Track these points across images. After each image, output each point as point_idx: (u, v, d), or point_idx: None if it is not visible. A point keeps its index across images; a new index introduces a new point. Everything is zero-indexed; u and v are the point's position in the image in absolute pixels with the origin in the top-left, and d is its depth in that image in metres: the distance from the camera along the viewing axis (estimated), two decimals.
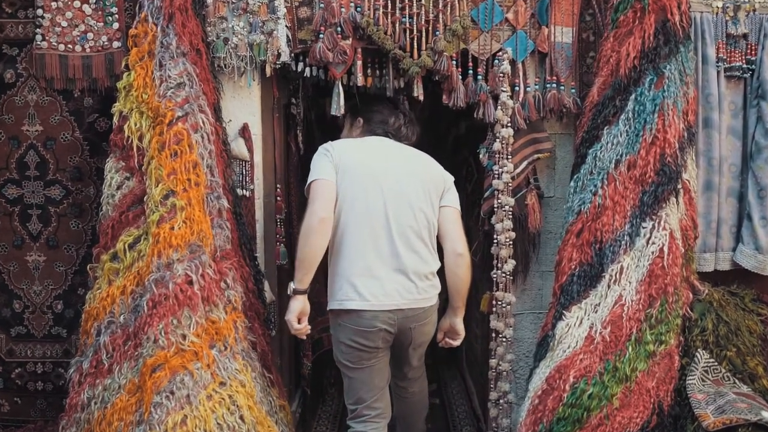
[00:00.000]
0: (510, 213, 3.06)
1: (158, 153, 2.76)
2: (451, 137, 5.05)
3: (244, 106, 3.08)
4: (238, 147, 3.06)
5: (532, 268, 3.22)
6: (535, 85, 3.09)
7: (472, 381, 4.39)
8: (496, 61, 3.03)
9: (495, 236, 3.08)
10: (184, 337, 2.62)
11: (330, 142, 2.83)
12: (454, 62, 3.02)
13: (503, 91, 3.01)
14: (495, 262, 3.11)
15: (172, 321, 2.61)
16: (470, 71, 3.05)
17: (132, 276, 2.75)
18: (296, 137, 3.49)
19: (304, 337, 2.92)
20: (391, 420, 2.93)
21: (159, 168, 2.74)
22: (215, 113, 2.96)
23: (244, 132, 3.08)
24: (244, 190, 3.09)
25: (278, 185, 3.24)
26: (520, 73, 3.06)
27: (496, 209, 3.07)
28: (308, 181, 2.74)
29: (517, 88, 3.06)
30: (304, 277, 2.70)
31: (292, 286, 2.73)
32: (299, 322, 2.75)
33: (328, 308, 2.85)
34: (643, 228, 2.78)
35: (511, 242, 3.08)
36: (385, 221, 2.73)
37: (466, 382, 4.61)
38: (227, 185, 2.96)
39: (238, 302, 2.84)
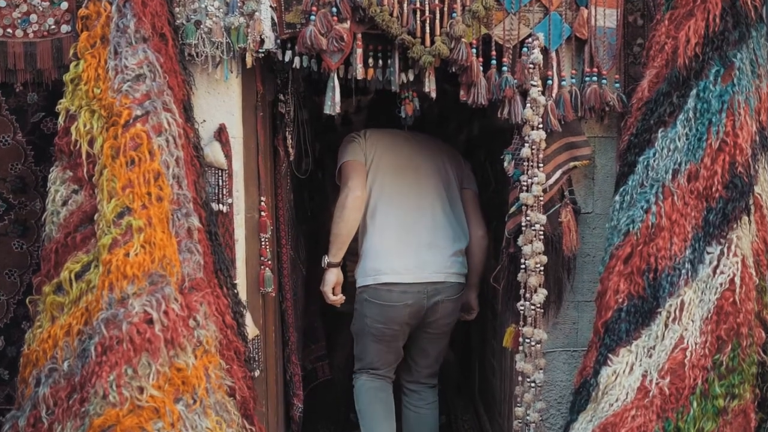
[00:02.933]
0: (541, 233, 2.58)
1: (111, 161, 2.32)
2: (462, 138, 4.59)
3: (221, 103, 2.65)
4: (214, 153, 2.63)
5: (566, 298, 2.74)
6: (572, 78, 2.65)
7: (488, 420, 3.92)
8: (525, 50, 2.58)
9: (522, 261, 2.62)
10: (141, 390, 2.19)
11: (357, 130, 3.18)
12: (474, 51, 2.56)
13: (533, 86, 2.55)
14: (522, 291, 2.65)
15: (126, 371, 2.18)
16: (493, 61, 2.59)
17: (79, 312, 2.32)
18: (284, 140, 3.04)
19: (339, 306, 3.16)
20: None
21: (112, 179, 2.31)
22: (184, 112, 2.53)
23: (221, 134, 2.65)
24: (221, 205, 2.66)
25: (263, 198, 2.81)
26: (554, 64, 2.62)
27: (524, 228, 2.61)
28: (338, 164, 3.09)
29: (550, 82, 2.62)
30: (338, 252, 3.01)
31: (326, 259, 3.04)
32: (334, 294, 3.06)
33: (357, 285, 3.11)
34: (709, 254, 2.34)
35: (542, 268, 2.60)
36: (414, 201, 3.03)
37: (480, 418, 4.15)
38: (199, 199, 2.53)
39: (210, 343, 2.40)
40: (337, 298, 3.09)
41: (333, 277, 3.05)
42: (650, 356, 2.34)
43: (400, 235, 3.02)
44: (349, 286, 3.28)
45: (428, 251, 3.03)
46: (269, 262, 2.84)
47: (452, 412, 4.39)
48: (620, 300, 2.43)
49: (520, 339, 2.69)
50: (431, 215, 3.07)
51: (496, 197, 3.63)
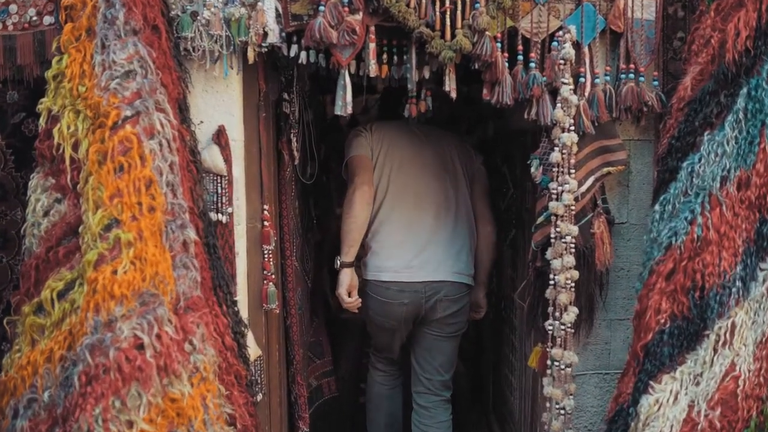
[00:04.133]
0: (572, 246, 2.36)
1: (98, 167, 2.11)
2: (475, 140, 4.36)
3: (220, 102, 2.44)
4: (212, 157, 2.42)
5: (598, 316, 2.52)
6: (606, 75, 2.43)
7: None
8: (555, 44, 2.36)
9: (552, 276, 2.39)
10: (130, 424, 1.99)
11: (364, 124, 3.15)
12: (499, 45, 2.34)
13: (564, 84, 2.34)
14: (551, 309, 2.42)
15: (113, 403, 1.97)
16: (520, 57, 2.37)
17: (62, 336, 2.11)
18: (289, 143, 2.81)
19: (356, 311, 3.09)
20: None
21: (99, 187, 2.10)
22: (179, 112, 2.32)
23: (220, 137, 2.44)
24: (220, 215, 2.46)
25: (265, 206, 2.60)
26: (587, 60, 2.41)
27: (553, 240, 2.39)
28: (345, 159, 3.06)
29: (582, 80, 2.39)
30: (350, 250, 2.95)
31: (338, 260, 2.98)
32: (350, 296, 2.99)
33: (362, 276, 3.06)
34: (762, 270, 2.15)
35: (572, 284, 2.37)
36: (418, 198, 3.00)
37: None
38: (196, 209, 2.33)
39: (208, 369, 2.18)
40: (353, 301, 3.02)
41: (347, 279, 2.99)
42: (697, 384, 2.13)
43: (402, 232, 3.00)
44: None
45: (430, 250, 3.00)
46: (272, 276, 2.63)
47: (463, 427, 4.18)
48: (662, 321, 2.22)
49: (548, 361, 2.46)
50: (435, 213, 3.03)
51: (515, 204, 3.41)
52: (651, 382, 2.18)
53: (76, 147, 2.13)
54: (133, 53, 2.15)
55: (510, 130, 3.41)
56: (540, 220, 2.44)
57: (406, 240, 3.00)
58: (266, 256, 2.60)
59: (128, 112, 2.11)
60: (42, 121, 2.19)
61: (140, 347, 1.99)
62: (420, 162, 3.05)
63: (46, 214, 2.17)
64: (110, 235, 2.03)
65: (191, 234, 2.21)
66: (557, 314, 2.42)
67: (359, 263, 3.11)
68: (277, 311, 2.70)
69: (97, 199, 2.07)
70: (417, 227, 3.01)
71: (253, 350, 2.57)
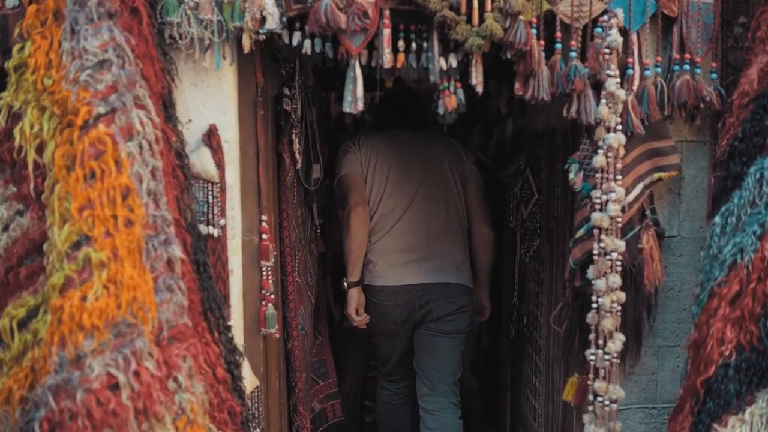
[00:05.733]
0: (618, 263, 2.05)
1: (66, 173, 1.83)
2: (493, 143, 4.06)
3: (211, 98, 2.17)
4: (202, 161, 2.15)
5: (645, 343, 2.21)
6: (657, 66, 2.11)
7: None
8: (599, 30, 2.05)
9: (594, 298, 2.09)
10: None
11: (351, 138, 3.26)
12: (535, 31, 2.03)
13: (610, 76, 2.05)
14: (593, 336, 2.11)
15: None
16: (558, 45, 2.06)
17: (23, 373, 1.86)
18: (290, 145, 2.54)
19: (365, 326, 3.19)
20: None
21: (66, 198, 1.82)
22: (164, 110, 2.04)
23: (211, 138, 2.17)
24: (212, 227, 2.19)
25: (264, 217, 2.32)
26: (635, 49, 2.13)
27: (595, 257, 2.09)
28: (336, 177, 3.15)
29: (630, 72, 2.08)
30: (354, 269, 3.06)
31: (345, 280, 3.10)
32: (358, 314, 3.10)
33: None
34: None
35: (619, 308, 2.07)
36: (408, 206, 3.09)
37: None
38: (183, 221, 2.06)
39: (196, 411, 1.91)
40: (362, 319, 3.13)
41: (354, 299, 3.09)
42: None
43: (394, 240, 3.09)
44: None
45: (420, 255, 3.09)
46: (272, 296, 2.34)
47: None
48: (727, 353, 1.92)
49: (589, 396, 2.16)
50: (425, 221, 3.11)
51: (541, 212, 3.11)
52: (715, 425, 1.90)
53: (40, 150, 1.86)
54: (107, 40, 1.86)
55: (532, 131, 3.12)
56: (580, 233, 2.14)
57: (397, 247, 3.09)
58: (264, 273, 2.32)
59: (101, 109, 1.82)
60: (1, 120, 1.92)
61: (114, 387, 1.70)
62: (408, 170, 3.13)
63: (5, 228, 1.90)
64: (79, 255, 1.74)
65: (177, 251, 1.92)
66: (600, 342, 2.12)
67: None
68: (277, 335, 2.40)
69: (65, 212, 1.78)
70: (408, 234, 3.10)
71: (250, 381, 2.28)
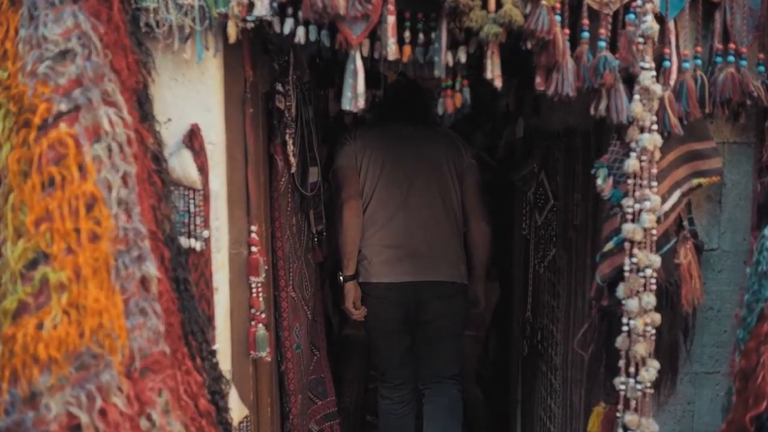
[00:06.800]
0: (653, 281, 1.82)
1: (21, 180, 1.63)
2: (502, 143, 3.83)
3: (193, 94, 1.94)
4: (183, 165, 1.93)
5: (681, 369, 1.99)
6: (696, 58, 1.88)
7: None
8: (631, 17, 1.82)
9: (625, 320, 1.86)
10: None
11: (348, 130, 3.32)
12: (559, 18, 1.80)
13: (645, 69, 1.81)
14: (623, 363, 1.88)
15: None
16: (585, 34, 1.83)
17: None
18: (284, 146, 2.32)
19: (363, 319, 3.24)
20: None
21: (21, 209, 1.61)
22: (138, 107, 1.84)
23: (193, 139, 1.96)
24: (194, 240, 1.97)
25: (253, 227, 2.09)
26: (672, 38, 1.90)
27: (626, 274, 1.86)
28: (332, 168, 3.15)
29: (666, 64, 1.84)
30: (349, 263, 3.10)
31: (341, 275, 3.14)
32: (356, 308, 3.15)
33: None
34: None
35: (653, 331, 1.84)
36: (401, 200, 3.10)
37: None
38: (160, 234, 1.84)
39: None
40: (360, 312, 3.17)
41: (351, 293, 3.13)
42: None
43: (387, 236, 3.10)
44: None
45: (414, 251, 3.10)
46: (263, 316, 2.11)
47: None
48: None
49: (618, 429, 1.93)
50: (420, 216, 3.11)
51: (557, 219, 2.88)
52: None
53: None
54: (71, 27, 1.64)
55: (546, 131, 2.89)
56: (609, 246, 1.91)
57: (392, 243, 3.11)
58: (254, 290, 2.09)
59: (63, 106, 1.61)
60: None
61: (76, 429, 1.50)
62: (403, 164, 3.12)
63: None
64: (35, 275, 1.53)
65: (152, 268, 1.70)
66: (632, 369, 1.89)
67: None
68: (269, 359, 2.17)
69: (19, 225, 1.57)
70: (402, 229, 3.11)
71: (238, 411, 2.07)
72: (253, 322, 2.10)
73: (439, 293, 3.14)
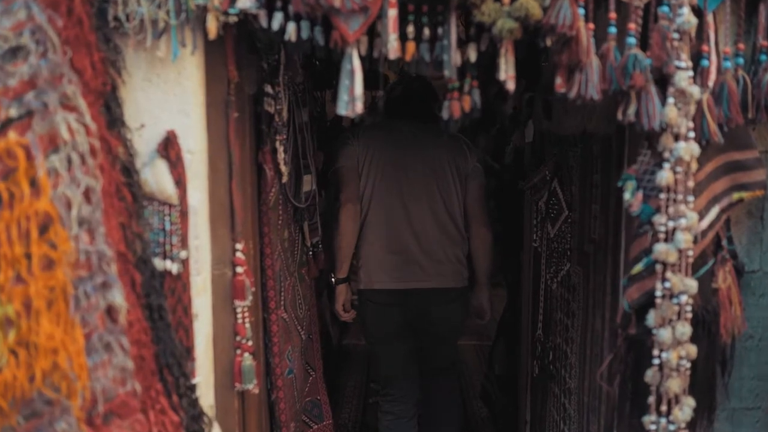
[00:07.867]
0: (688, 308, 1.61)
1: None
2: (510, 149, 3.63)
3: (170, 97, 1.72)
4: (157, 178, 1.72)
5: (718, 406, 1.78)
6: (738, 56, 1.66)
7: None
8: (665, 10, 1.62)
9: (656, 352, 1.65)
10: None
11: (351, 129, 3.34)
12: (582, 11, 1.59)
13: (680, 69, 1.60)
14: (653, 399, 1.67)
15: None
16: (612, 29, 1.62)
17: None
18: (274, 154, 2.11)
19: (352, 321, 3.30)
20: None
21: None
22: (105, 112, 1.64)
23: (169, 148, 1.75)
24: (169, 262, 1.75)
25: (238, 245, 1.86)
26: (711, 34, 1.68)
27: (658, 300, 1.65)
28: (332, 168, 3.10)
29: (705, 63, 1.64)
30: (342, 266, 3.09)
31: (333, 277, 3.13)
32: (345, 310, 3.17)
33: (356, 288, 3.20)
34: None
35: (688, 364, 1.63)
36: (405, 206, 3.05)
37: None
38: (131, 255, 1.65)
39: None
40: (349, 315, 3.20)
41: (341, 295, 3.14)
42: None
43: (389, 242, 3.08)
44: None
45: (415, 257, 3.08)
46: (249, 344, 1.90)
47: None
48: None
49: None
50: (422, 221, 3.08)
51: (572, 231, 2.68)
52: None
53: None
54: (23, 20, 1.43)
55: (562, 135, 2.69)
56: (638, 268, 1.70)
57: (393, 251, 3.08)
58: (240, 315, 1.88)
59: (13, 112, 1.40)
60: None
61: None
62: (405, 167, 3.08)
63: None
64: None
65: (119, 296, 1.51)
66: (663, 408, 1.68)
67: (355, 277, 3.21)
68: (257, 390, 1.96)
69: None
70: (404, 237, 3.08)
71: None
72: (238, 351, 1.88)
73: (441, 300, 3.13)
